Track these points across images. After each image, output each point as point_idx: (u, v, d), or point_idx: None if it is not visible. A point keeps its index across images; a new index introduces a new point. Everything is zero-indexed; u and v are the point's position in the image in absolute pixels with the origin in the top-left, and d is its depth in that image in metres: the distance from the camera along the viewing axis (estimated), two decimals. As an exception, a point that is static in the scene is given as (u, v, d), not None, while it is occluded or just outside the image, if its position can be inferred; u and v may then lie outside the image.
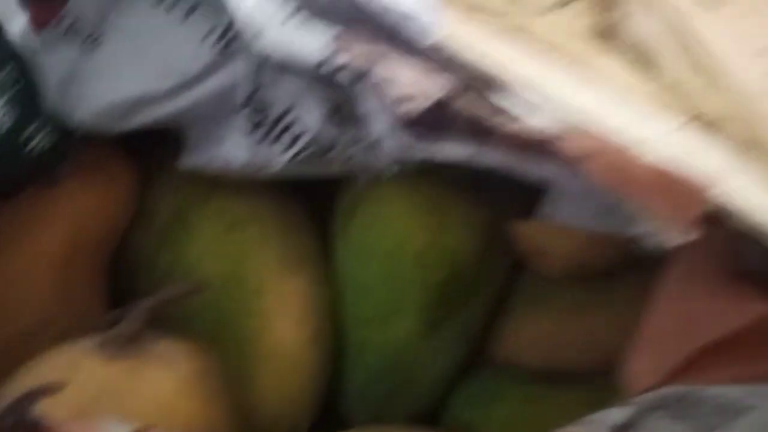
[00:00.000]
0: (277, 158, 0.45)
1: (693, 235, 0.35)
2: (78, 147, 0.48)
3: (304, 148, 0.44)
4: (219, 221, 0.51)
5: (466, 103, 0.36)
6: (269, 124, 0.44)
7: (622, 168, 0.35)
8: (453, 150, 0.38)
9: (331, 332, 0.52)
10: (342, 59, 0.38)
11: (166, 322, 0.46)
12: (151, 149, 0.51)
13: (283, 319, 0.51)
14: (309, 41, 0.39)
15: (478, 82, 0.36)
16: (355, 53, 0.38)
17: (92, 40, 0.45)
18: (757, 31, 0.40)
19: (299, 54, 0.39)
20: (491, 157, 0.37)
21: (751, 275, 0.37)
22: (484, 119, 0.36)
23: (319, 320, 0.52)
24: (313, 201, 0.53)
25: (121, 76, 0.45)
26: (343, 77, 0.39)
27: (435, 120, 0.37)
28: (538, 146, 0.35)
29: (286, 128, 0.44)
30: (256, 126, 0.44)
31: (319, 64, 0.39)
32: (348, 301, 0.52)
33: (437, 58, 0.37)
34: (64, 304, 0.49)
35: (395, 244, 0.50)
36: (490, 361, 0.53)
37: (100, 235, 0.50)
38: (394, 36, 0.38)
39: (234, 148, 0.45)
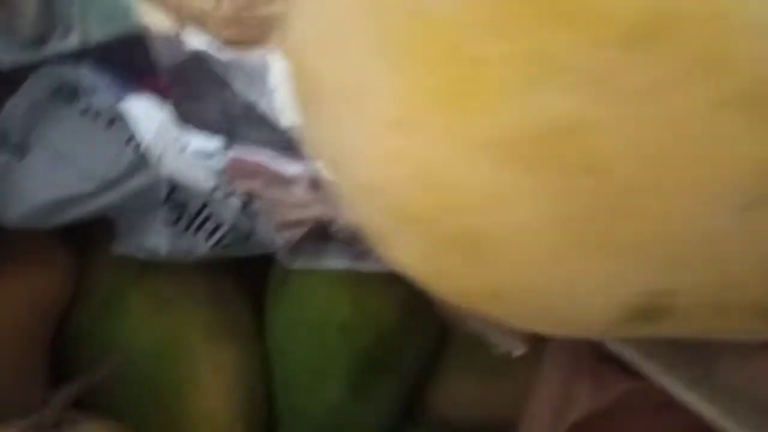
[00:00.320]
0: (201, 246, 0.47)
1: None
2: (11, 241, 0.48)
3: (224, 236, 0.46)
4: (150, 300, 0.52)
5: (340, 226, 0.39)
6: (189, 217, 0.46)
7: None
8: (333, 263, 0.41)
9: (263, 398, 0.53)
10: (231, 188, 0.41)
11: (99, 400, 0.48)
12: (87, 232, 0.52)
13: (211, 393, 0.52)
14: (202, 170, 0.41)
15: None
16: (243, 183, 0.40)
17: (20, 148, 0.46)
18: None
19: (195, 180, 0.42)
20: (369, 266, 0.40)
21: (613, 359, 0.39)
22: (357, 238, 0.38)
23: (249, 391, 0.53)
24: (248, 273, 0.54)
25: (48, 179, 0.46)
26: (233, 202, 0.41)
27: (313, 241, 0.40)
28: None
29: (206, 220, 0.46)
30: (178, 218, 0.46)
31: (213, 191, 0.42)
32: (277, 369, 0.53)
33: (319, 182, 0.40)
34: (3, 387, 0.49)
35: (320, 315, 0.52)
36: (424, 419, 0.55)
37: (38, 318, 0.51)
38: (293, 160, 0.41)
39: (159, 238, 0.47)
